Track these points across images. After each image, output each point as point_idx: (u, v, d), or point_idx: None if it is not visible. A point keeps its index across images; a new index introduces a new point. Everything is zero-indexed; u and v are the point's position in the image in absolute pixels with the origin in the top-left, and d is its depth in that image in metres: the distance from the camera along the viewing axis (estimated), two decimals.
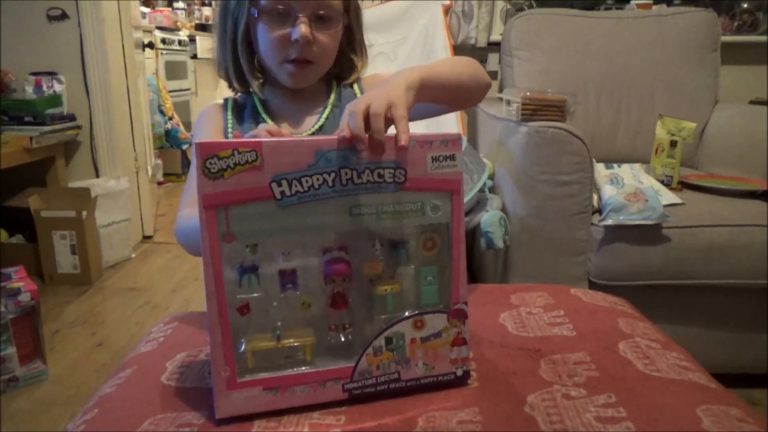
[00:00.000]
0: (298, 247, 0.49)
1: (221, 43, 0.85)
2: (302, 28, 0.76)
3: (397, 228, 0.51)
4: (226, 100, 0.90)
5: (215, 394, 0.47)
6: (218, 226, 0.46)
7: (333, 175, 0.48)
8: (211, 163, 0.45)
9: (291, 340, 0.50)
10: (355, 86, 0.91)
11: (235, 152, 0.46)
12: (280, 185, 0.46)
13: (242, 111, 0.88)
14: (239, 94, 0.90)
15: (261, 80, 0.86)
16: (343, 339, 0.52)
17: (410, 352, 0.52)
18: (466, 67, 0.76)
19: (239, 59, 0.83)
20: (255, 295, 0.49)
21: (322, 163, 0.47)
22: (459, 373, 0.54)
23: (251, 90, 0.85)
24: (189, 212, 0.75)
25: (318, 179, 0.47)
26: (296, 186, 0.47)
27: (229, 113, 0.87)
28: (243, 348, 0.49)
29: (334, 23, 0.80)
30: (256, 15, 0.79)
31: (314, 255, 0.50)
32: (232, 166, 0.45)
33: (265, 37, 0.79)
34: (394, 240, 0.51)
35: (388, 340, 0.51)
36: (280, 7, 0.77)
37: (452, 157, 0.51)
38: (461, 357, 0.54)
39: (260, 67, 0.85)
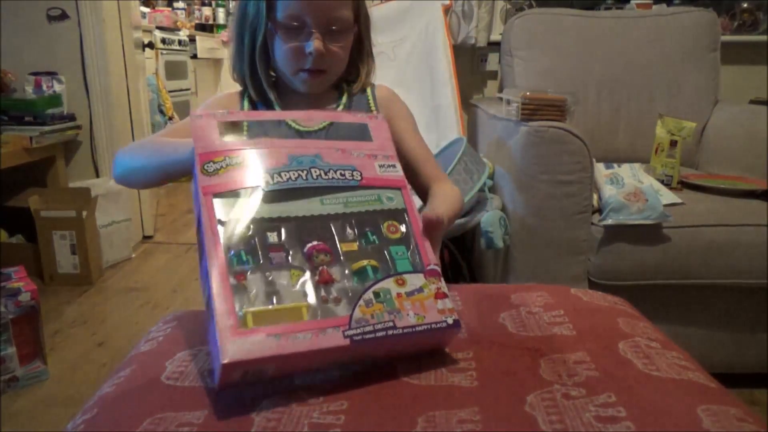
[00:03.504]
0: (283, 232, 0.55)
1: (238, 52, 0.89)
2: (316, 44, 0.81)
3: (363, 214, 0.59)
4: (242, 91, 0.94)
5: (220, 342, 0.48)
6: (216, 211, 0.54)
7: (305, 172, 0.59)
8: (208, 165, 0.56)
9: (287, 303, 0.52)
10: (368, 91, 0.94)
11: (227, 157, 0.57)
12: (263, 177, 0.57)
13: (256, 105, 0.92)
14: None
15: (276, 84, 0.91)
16: (334, 306, 0.55)
17: (399, 304, 0.56)
18: (459, 202, 0.87)
19: (257, 68, 0.88)
20: (248, 266, 0.52)
21: (294, 164, 0.60)
22: (450, 321, 0.57)
23: (266, 97, 0.90)
24: (144, 144, 0.83)
25: (294, 174, 0.59)
26: (277, 177, 0.58)
27: (246, 103, 0.92)
28: (241, 312, 0.51)
29: (346, 35, 0.85)
30: (272, 28, 0.84)
31: (296, 240, 0.55)
32: (225, 166, 0.57)
33: (281, 48, 0.84)
34: (363, 227, 0.59)
35: (376, 294, 0.55)
36: (295, 23, 0.82)
37: (393, 166, 0.65)
38: (447, 308, 0.58)
39: (274, 70, 0.90)
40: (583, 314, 0.70)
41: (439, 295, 0.58)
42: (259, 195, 0.56)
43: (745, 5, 2.22)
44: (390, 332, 0.54)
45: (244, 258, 0.52)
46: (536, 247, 1.39)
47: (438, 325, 0.56)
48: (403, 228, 0.60)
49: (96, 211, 2.17)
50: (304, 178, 0.59)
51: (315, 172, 0.60)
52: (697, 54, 1.90)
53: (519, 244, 1.42)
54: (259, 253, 0.53)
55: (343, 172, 0.61)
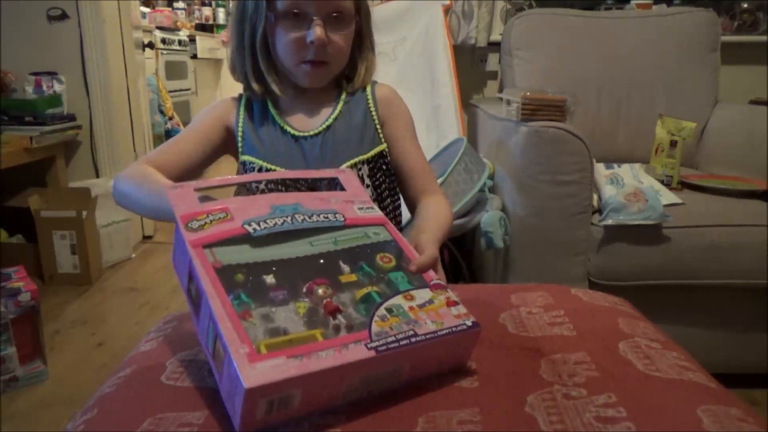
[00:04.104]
0: (279, 274, 0.54)
1: (239, 48, 0.88)
2: (317, 31, 0.80)
3: (354, 249, 0.59)
4: (240, 95, 0.93)
5: (239, 369, 0.45)
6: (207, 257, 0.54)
7: (289, 217, 0.60)
8: (191, 224, 0.57)
9: (301, 333, 0.49)
10: (368, 89, 0.93)
11: (209, 215, 0.58)
12: (250, 225, 0.58)
13: (254, 107, 0.91)
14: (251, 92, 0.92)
15: (277, 81, 0.89)
16: (347, 333, 0.52)
17: (414, 315, 0.54)
18: (449, 218, 0.85)
19: (258, 62, 0.87)
20: (252, 306, 0.50)
21: (277, 212, 0.60)
22: (469, 323, 0.56)
23: (269, 89, 0.88)
24: (144, 172, 0.81)
25: (279, 220, 0.59)
26: (263, 224, 0.58)
27: (242, 109, 0.91)
28: (255, 344, 0.48)
29: (347, 24, 0.84)
30: (272, 19, 0.82)
31: (293, 280, 0.54)
32: (209, 221, 0.57)
33: (282, 39, 0.83)
34: (356, 261, 0.58)
35: (389, 310, 0.54)
36: (296, 10, 0.80)
37: (372, 208, 0.66)
38: (462, 313, 0.57)
39: (275, 66, 0.88)
40: (583, 314, 0.70)
41: (451, 303, 0.57)
42: (247, 241, 0.56)
43: (745, 5, 2.22)
44: (413, 339, 0.52)
45: (245, 299, 0.50)
46: (536, 247, 1.39)
47: (458, 328, 0.55)
48: (395, 258, 0.60)
49: (96, 211, 2.17)
50: (290, 222, 0.59)
51: (299, 217, 0.60)
52: (697, 54, 1.90)
53: (519, 244, 1.42)
54: (260, 293, 0.51)
55: (326, 216, 0.62)
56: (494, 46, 2.24)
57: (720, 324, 1.39)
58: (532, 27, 1.97)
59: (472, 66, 2.37)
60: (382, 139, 0.91)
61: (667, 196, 1.37)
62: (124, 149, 2.53)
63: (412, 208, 0.91)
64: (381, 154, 0.90)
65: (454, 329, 0.55)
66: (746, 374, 1.41)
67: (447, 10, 2.11)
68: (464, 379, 0.55)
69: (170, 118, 3.64)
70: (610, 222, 1.29)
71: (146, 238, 2.68)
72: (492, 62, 2.34)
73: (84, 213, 2.09)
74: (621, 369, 0.57)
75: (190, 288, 0.55)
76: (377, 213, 0.66)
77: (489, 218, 1.42)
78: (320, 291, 0.53)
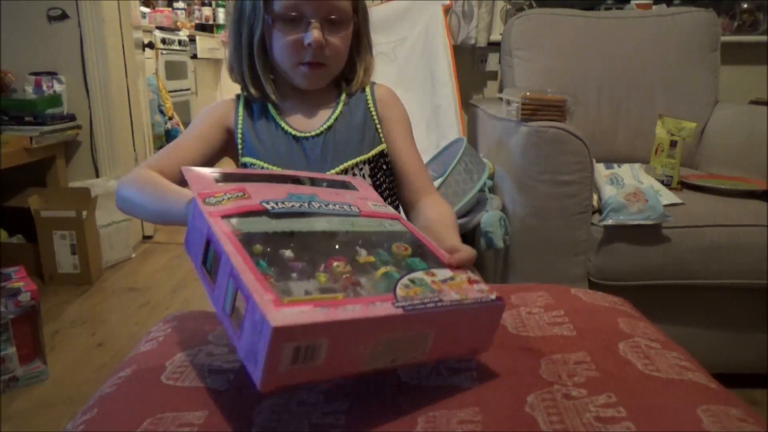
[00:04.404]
0: (297, 247, 0.52)
1: (236, 50, 0.88)
2: (315, 33, 0.80)
3: (370, 234, 0.59)
4: (238, 96, 0.93)
5: (265, 311, 0.42)
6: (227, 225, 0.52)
7: (306, 203, 0.60)
8: (209, 200, 0.55)
9: (325, 294, 0.48)
10: (367, 90, 0.93)
11: (226, 194, 0.57)
12: (268, 204, 0.57)
13: (253, 108, 0.91)
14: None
15: (274, 84, 0.89)
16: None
17: (437, 287, 0.53)
18: (455, 216, 0.85)
19: (255, 64, 0.86)
20: (271, 273, 0.48)
21: (294, 198, 0.60)
22: (493, 297, 0.55)
23: (266, 93, 0.88)
24: (144, 176, 0.80)
25: (296, 203, 0.59)
26: (281, 204, 0.58)
27: (241, 109, 0.90)
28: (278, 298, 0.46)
29: (345, 26, 0.84)
30: (270, 22, 0.82)
31: (311, 255, 0.52)
32: (226, 199, 0.56)
33: (279, 41, 0.83)
34: (373, 246, 0.57)
35: (412, 281, 0.53)
36: (293, 13, 0.80)
37: (385, 206, 0.67)
38: (484, 289, 0.56)
39: (272, 69, 0.88)
40: (583, 314, 0.70)
41: (473, 282, 0.57)
42: (266, 215, 0.55)
43: (745, 5, 2.22)
44: (439, 304, 0.51)
45: (264, 266, 0.48)
46: (536, 247, 1.39)
47: (483, 300, 0.54)
48: (411, 248, 0.59)
49: (96, 211, 2.17)
50: (307, 207, 0.59)
51: (315, 204, 0.60)
52: (697, 54, 1.90)
53: (519, 244, 1.42)
54: (279, 265, 0.49)
55: (342, 206, 0.62)
56: (494, 46, 2.24)
57: (720, 324, 1.39)
58: (532, 27, 1.97)
59: (472, 66, 2.37)
60: (382, 139, 0.91)
61: (667, 196, 1.37)
62: (124, 149, 2.53)
63: (408, 208, 0.91)
64: (381, 154, 0.90)
65: (478, 301, 0.54)
66: (746, 374, 1.41)
67: (447, 10, 2.11)
68: (464, 379, 0.55)
69: (170, 118, 3.64)
70: (610, 222, 1.29)
71: (146, 238, 2.68)
72: (492, 62, 2.34)
73: (84, 213, 2.09)
74: (621, 369, 0.57)
75: (205, 261, 0.53)
76: (391, 210, 0.66)
77: (489, 218, 1.42)
78: (339, 267, 0.52)
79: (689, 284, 1.33)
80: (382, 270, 0.53)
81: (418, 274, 0.54)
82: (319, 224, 0.57)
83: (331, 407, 0.51)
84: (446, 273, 0.56)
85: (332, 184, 0.70)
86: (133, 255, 2.46)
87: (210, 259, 0.52)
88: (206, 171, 0.62)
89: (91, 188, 2.20)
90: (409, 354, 0.51)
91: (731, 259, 1.29)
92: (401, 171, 0.91)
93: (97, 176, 2.43)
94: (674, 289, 1.35)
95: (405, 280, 0.52)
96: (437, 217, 0.82)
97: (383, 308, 0.47)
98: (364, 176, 0.87)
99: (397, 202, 0.95)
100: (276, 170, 0.85)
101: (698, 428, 0.47)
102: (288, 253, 0.51)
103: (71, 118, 2.33)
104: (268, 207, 0.56)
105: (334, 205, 0.62)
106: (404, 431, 0.48)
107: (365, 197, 0.67)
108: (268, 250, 0.51)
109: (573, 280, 1.35)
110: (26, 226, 2.11)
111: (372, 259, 0.54)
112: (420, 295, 0.51)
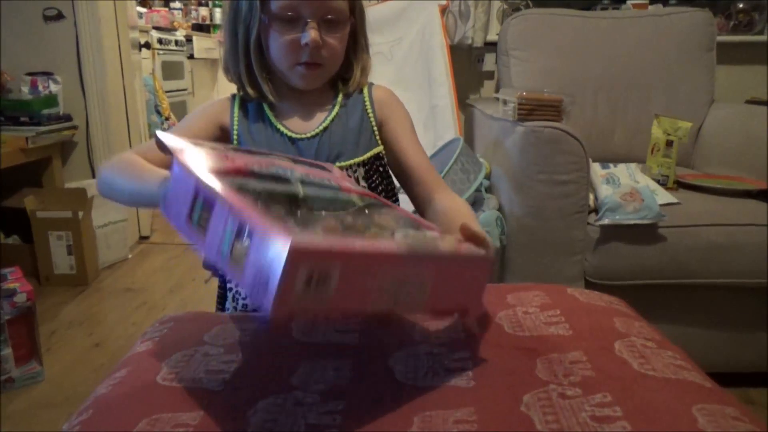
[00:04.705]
0: (288, 206, 0.54)
1: (232, 50, 0.87)
2: (312, 33, 0.79)
3: (353, 205, 0.61)
4: (233, 95, 0.92)
5: (278, 236, 0.41)
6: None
7: (289, 172, 0.61)
8: (192, 160, 0.54)
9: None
10: (365, 92, 0.93)
11: (210, 157, 0.56)
12: (253, 167, 0.57)
13: (249, 108, 0.90)
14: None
15: (271, 84, 0.88)
16: None
17: (432, 240, 0.58)
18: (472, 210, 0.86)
19: (252, 64, 0.86)
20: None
21: (278, 169, 0.61)
22: (482, 252, 0.58)
23: (263, 93, 0.87)
24: (130, 159, 0.78)
25: (280, 171, 0.60)
26: (265, 170, 0.58)
27: (237, 109, 0.90)
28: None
29: (342, 26, 0.84)
30: (266, 21, 0.82)
31: (303, 213, 0.54)
32: (211, 160, 0.56)
33: (276, 41, 0.82)
34: (358, 214, 0.60)
35: (406, 233, 0.57)
36: (290, 13, 0.80)
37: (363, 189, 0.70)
38: (472, 248, 0.58)
39: (269, 69, 0.88)
40: (579, 314, 0.70)
41: (460, 242, 0.59)
42: (251, 177, 0.54)
43: (741, 5, 2.23)
44: (437, 252, 0.54)
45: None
46: (533, 247, 1.39)
47: (473, 253, 0.57)
48: (396, 220, 0.62)
49: (92, 211, 2.17)
50: (290, 175, 0.60)
51: (297, 175, 0.61)
52: (693, 54, 1.91)
53: (515, 244, 1.43)
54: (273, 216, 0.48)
55: (323, 180, 0.64)
56: (491, 46, 2.24)
57: (717, 323, 1.39)
58: (529, 27, 1.97)
59: (469, 66, 2.37)
60: (379, 142, 0.90)
61: (663, 196, 1.37)
62: (121, 150, 2.49)
63: (422, 207, 0.89)
64: (377, 156, 0.90)
65: (470, 255, 0.57)
66: (744, 373, 1.41)
67: (444, 10, 2.11)
68: (460, 379, 0.56)
69: (167, 119, 3.63)
70: (606, 222, 1.30)
71: (143, 238, 2.68)
72: (489, 62, 2.34)
73: (80, 213, 2.08)
74: (617, 368, 0.57)
75: (191, 216, 0.50)
76: (369, 192, 0.69)
77: (486, 218, 1.42)
78: (331, 224, 0.52)
79: (686, 284, 1.33)
80: (373, 231, 0.56)
81: (412, 231, 0.59)
82: (304, 191, 0.58)
83: (327, 407, 0.51)
84: (436, 234, 0.61)
85: (312, 165, 0.71)
86: (130, 255, 2.45)
87: (198, 211, 0.50)
88: (186, 139, 0.60)
89: (88, 189, 2.19)
90: (410, 299, 0.52)
91: (728, 259, 1.29)
92: (409, 169, 0.90)
93: (94, 177, 2.42)
94: (671, 288, 1.35)
95: (402, 232, 0.56)
96: (457, 207, 0.81)
97: (389, 245, 0.50)
98: (358, 178, 0.87)
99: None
100: (250, 148, 0.83)
101: (693, 427, 0.47)
102: (279, 208, 0.51)
103: (67, 118, 2.33)
104: (254, 169, 0.56)
105: (315, 178, 0.64)
106: (400, 431, 0.48)
107: (343, 180, 0.70)
108: (259, 204, 0.48)
109: (569, 280, 1.36)
110: (22, 226, 2.11)
111: (360, 224, 0.57)
112: (418, 242, 0.55)
